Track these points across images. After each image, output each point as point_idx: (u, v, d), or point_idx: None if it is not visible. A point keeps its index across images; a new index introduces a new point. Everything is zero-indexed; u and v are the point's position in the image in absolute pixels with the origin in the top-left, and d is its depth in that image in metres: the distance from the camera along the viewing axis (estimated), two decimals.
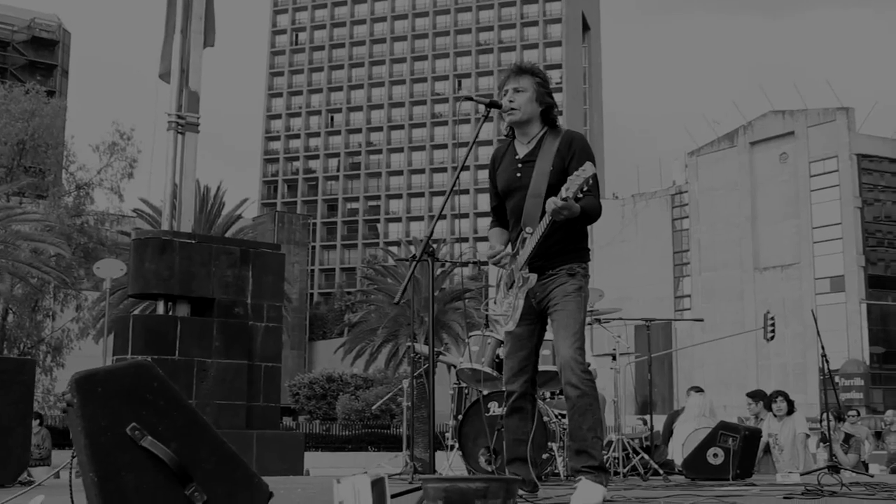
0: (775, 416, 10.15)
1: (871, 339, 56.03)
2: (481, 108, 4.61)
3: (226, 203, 34.50)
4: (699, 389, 10.47)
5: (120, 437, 2.32)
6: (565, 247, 4.46)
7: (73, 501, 2.66)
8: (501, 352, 6.96)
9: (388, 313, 33.48)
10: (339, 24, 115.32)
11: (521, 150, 4.64)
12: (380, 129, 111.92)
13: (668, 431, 10.44)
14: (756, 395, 10.71)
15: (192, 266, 11.79)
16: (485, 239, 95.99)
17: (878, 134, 60.60)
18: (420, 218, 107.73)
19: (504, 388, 4.68)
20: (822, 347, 8.22)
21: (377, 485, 1.92)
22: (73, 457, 2.56)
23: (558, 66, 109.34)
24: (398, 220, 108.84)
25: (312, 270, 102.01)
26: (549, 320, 4.51)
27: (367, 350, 34.91)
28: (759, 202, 60.58)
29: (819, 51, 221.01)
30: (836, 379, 52.22)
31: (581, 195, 4.07)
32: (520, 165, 4.58)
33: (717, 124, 67.51)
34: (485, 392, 6.90)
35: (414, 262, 4.05)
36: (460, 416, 6.92)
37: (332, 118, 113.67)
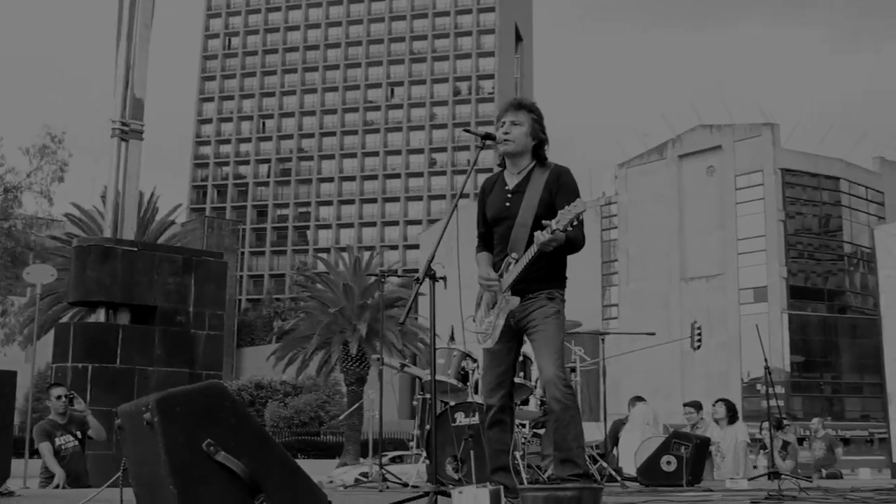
0: (717, 422, 10.55)
1: (792, 348, 57.44)
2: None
3: (159, 209, 34.21)
4: (641, 399, 10.80)
5: (197, 452, 2.53)
6: (546, 273, 4.76)
7: None
8: (466, 365, 7.24)
9: (321, 321, 33.42)
10: (272, 30, 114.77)
11: (511, 180, 4.92)
12: (311, 135, 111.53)
13: (614, 439, 10.76)
14: (695, 405, 11.10)
15: (135, 274, 11.80)
16: (414, 247, 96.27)
17: (800, 149, 62.20)
18: (350, 225, 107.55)
19: (483, 402, 4.96)
20: (766, 360, 8.58)
21: (495, 496, 2.11)
22: (124, 468, 2.73)
23: (490, 77, 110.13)
24: (328, 227, 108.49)
25: (241, 276, 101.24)
26: (528, 340, 4.81)
27: (299, 357, 34.79)
28: (686, 214, 61.70)
29: (746, 66, 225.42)
30: (758, 387, 53.42)
31: (570, 228, 4.37)
32: (509, 195, 4.87)
33: (646, 137, 68.54)
34: (451, 403, 7.16)
35: (418, 284, 4.28)
36: (427, 426, 7.14)
37: (263, 124, 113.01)
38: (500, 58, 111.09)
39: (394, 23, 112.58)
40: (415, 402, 7.63)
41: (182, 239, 34.51)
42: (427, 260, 4.50)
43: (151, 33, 13.21)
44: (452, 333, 5.61)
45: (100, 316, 11.71)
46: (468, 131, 5.00)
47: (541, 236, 4.44)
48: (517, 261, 4.67)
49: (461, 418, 6.86)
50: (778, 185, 59.55)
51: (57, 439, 8.26)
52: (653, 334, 12.30)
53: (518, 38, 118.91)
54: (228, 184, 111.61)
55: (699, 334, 30.65)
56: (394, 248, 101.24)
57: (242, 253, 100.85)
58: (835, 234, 63.14)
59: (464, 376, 7.26)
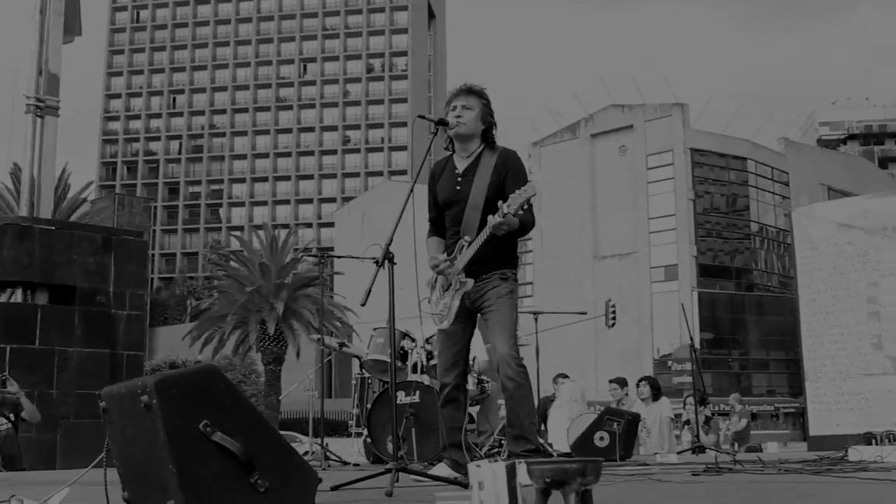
0: (641, 400, 10.82)
1: (702, 325, 58.73)
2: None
3: (70, 186, 33.47)
4: (566, 376, 11.01)
5: (194, 433, 2.58)
6: (499, 254, 4.90)
7: (107, 497, 2.83)
8: (405, 344, 7.32)
9: (238, 299, 33.11)
10: (182, 3, 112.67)
11: (461, 164, 5.04)
12: (223, 111, 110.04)
13: (542, 416, 10.95)
14: (620, 382, 11.41)
15: (53, 253, 11.60)
16: (329, 224, 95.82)
17: (709, 129, 63.43)
18: (264, 203, 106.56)
19: (438, 381, 5.07)
20: (692, 338, 8.83)
21: (510, 470, 2.15)
22: (108, 449, 2.73)
23: (403, 54, 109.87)
24: (241, 204, 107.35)
25: (153, 255, 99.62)
26: (482, 319, 4.95)
27: (215, 336, 34.44)
28: (598, 192, 62.48)
29: (655, 45, 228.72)
30: (669, 363, 54.60)
31: (521, 211, 4.49)
32: (459, 179, 5.00)
33: (560, 116, 69.05)
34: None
35: (377, 267, 4.31)
36: (369, 405, 7.22)
37: (174, 99, 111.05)
38: (414, 34, 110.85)
39: None
40: (353, 381, 7.70)
41: (95, 217, 33.80)
42: (385, 244, 4.56)
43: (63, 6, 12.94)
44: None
45: (17, 296, 11.49)
46: (422, 117, 5.06)
47: (493, 219, 4.54)
48: (470, 243, 4.78)
49: (402, 397, 6.94)
50: (688, 165, 60.63)
51: None
52: (584, 313, 12.51)
53: (431, 15, 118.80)
54: (139, 160, 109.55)
55: (614, 312, 31.28)
56: (308, 225, 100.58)
57: (154, 231, 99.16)
58: (742, 213, 64.59)
59: (403, 355, 7.36)
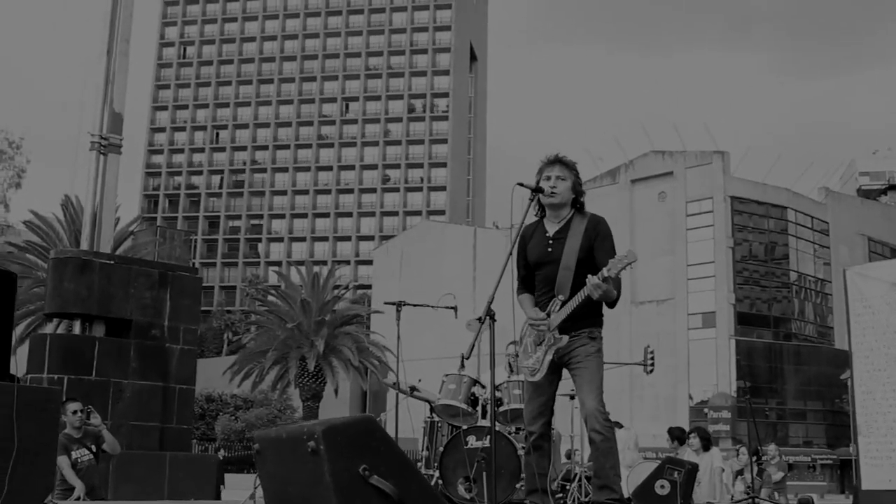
0: (693, 451, 10.93)
1: (739, 373, 58.31)
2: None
3: (120, 219, 33.98)
4: (620, 424, 11.15)
5: (354, 475, 2.90)
6: (588, 313, 5.24)
7: None
8: (476, 391, 7.57)
9: (278, 335, 33.41)
10: (228, 41, 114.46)
11: (551, 228, 5.41)
12: (265, 147, 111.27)
13: None
14: (673, 433, 11.62)
15: (111, 287, 11.89)
16: (367, 262, 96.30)
17: (748, 178, 63.32)
18: (302, 239, 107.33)
19: (525, 429, 5.42)
20: (746, 384, 8.96)
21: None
22: (256, 486, 3.00)
23: (445, 95, 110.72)
24: (280, 240, 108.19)
25: None
26: (570, 374, 5.31)
27: (255, 371, 34.73)
28: (637, 238, 62.40)
29: (697, 92, 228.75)
30: (705, 410, 54.22)
31: (618, 275, 4.87)
32: (551, 241, 5.37)
33: (600, 161, 69.29)
34: (464, 427, 7.52)
35: (481, 324, 4.59)
36: (441, 448, 7.47)
37: (217, 134, 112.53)
38: (455, 76, 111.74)
39: (350, 38, 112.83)
40: (423, 425, 7.94)
41: (139, 251, 34.27)
42: (487, 301, 4.90)
43: (129, 48, 13.35)
44: (462, 362, 5.86)
45: (76, 328, 11.78)
46: (522, 185, 5.35)
47: (592, 280, 4.91)
48: (564, 303, 5.13)
49: (472, 441, 7.21)
50: (727, 212, 60.51)
51: (73, 453, 8.48)
52: (644, 365, 12.62)
53: (473, 57, 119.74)
54: (181, 194, 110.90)
55: (652, 358, 31.13)
56: (346, 262, 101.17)
57: (193, 264, 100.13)
58: (780, 261, 64.26)
59: (473, 401, 7.67)
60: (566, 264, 5.22)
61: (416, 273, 71.01)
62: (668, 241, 60.89)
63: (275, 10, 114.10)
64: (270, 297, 38.37)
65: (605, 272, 4.87)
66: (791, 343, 62.37)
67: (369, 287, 73.62)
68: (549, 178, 5.39)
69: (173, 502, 10.44)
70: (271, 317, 34.74)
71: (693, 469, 8.59)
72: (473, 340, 4.39)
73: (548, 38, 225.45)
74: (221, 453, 37.88)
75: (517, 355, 5.44)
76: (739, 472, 12.22)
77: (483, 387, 7.69)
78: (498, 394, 7.51)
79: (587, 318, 5.25)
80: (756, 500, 8.13)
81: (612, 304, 5.16)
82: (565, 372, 5.39)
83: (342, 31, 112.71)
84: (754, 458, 11.65)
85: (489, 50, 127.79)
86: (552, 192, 5.33)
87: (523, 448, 6.96)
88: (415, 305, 8.38)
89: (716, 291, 59.01)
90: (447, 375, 7.56)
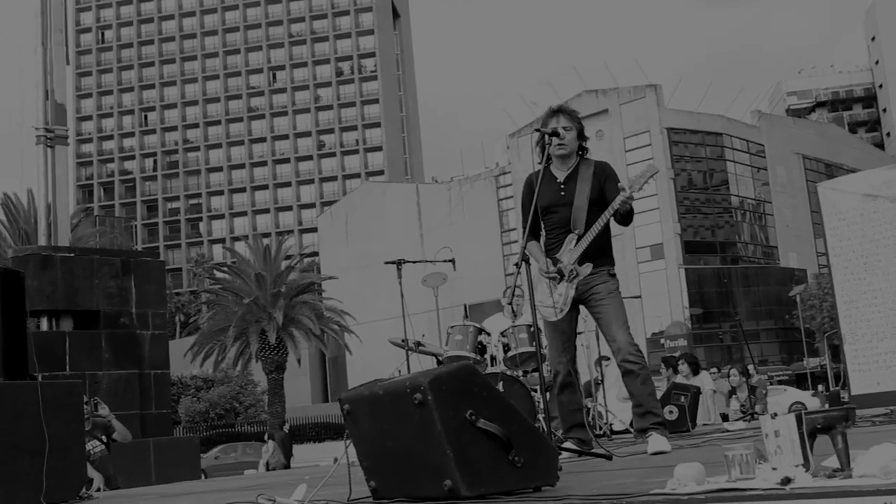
0: (683, 376, 11.23)
1: (690, 301, 59.30)
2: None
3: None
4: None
5: (462, 421, 3.06)
6: (605, 251, 5.49)
7: (350, 486, 3.25)
8: (483, 339, 7.63)
9: (236, 312, 33.28)
10: (146, 20, 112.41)
11: (560, 174, 5.59)
12: (196, 125, 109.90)
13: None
14: (669, 362, 11.98)
15: (75, 280, 11.82)
16: (311, 230, 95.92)
17: (683, 108, 63.97)
18: (244, 213, 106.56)
19: (551, 368, 5.54)
20: (737, 312, 9.18)
21: (798, 418, 2.42)
22: (347, 446, 3.11)
23: (371, 55, 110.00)
24: (221, 216, 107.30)
25: None
26: (592, 313, 5.48)
27: (215, 350, 34.61)
28: None
29: (625, 28, 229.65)
30: (662, 340, 55.11)
31: (640, 189, 5.12)
32: (562, 185, 5.55)
33: (534, 105, 69.40)
34: None
35: (517, 269, 4.70)
36: None
37: (145, 117, 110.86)
38: (380, 35, 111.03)
39: (270, 6, 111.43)
40: None
41: (84, 243, 33.80)
42: (521, 247, 5.20)
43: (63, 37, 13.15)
44: (466, 311, 5.93)
45: (43, 325, 11.69)
46: (538, 130, 5.54)
47: (621, 196, 5.19)
48: (584, 236, 5.34)
49: None
50: (665, 144, 61.16)
51: (86, 445, 8.48)
52: (638, 297, 12.80)
53: (395, 14, 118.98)
54: (115, 181, 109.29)
55: None
56: (290, 232, 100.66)
57: (136, 250, 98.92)
58: (720, 187, 65.22)
59: (481, 349, 7.72)
60: (579, 204, 5.41)
61: (363, 235, 70.95)
62: None
63: None
64: (221, 274, 38.13)
65: (632, 187, 5.12)
66: (738, 266, 63.50)
67: (316, 255, 73.36)
68: (555, 129, 5.53)
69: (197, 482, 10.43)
70: (226, 294, 34.55)
71: (697, 392, 8.85)
72: (513, 286, 4.50)
73: None
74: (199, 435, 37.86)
75: (523, 296, 5.59)
76: (732, 392, 12.62)
77: (489, 335, 7.76)
78: (504, 339, 7.56)
79: (604, 257, 5.46)
80: (755, 415, 8.40)
81: (628, 221, 5.35)
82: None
83: (262, 1, 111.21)
84: (745, 378, 12.03)
85: (411, 4, 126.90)
86: (560, 143, 5.49)
87: (534, 390, 7.09)
88: (414, 262, 8.42)
89: (661, 223, 59.78)
90: (452, 327, 7.61)
